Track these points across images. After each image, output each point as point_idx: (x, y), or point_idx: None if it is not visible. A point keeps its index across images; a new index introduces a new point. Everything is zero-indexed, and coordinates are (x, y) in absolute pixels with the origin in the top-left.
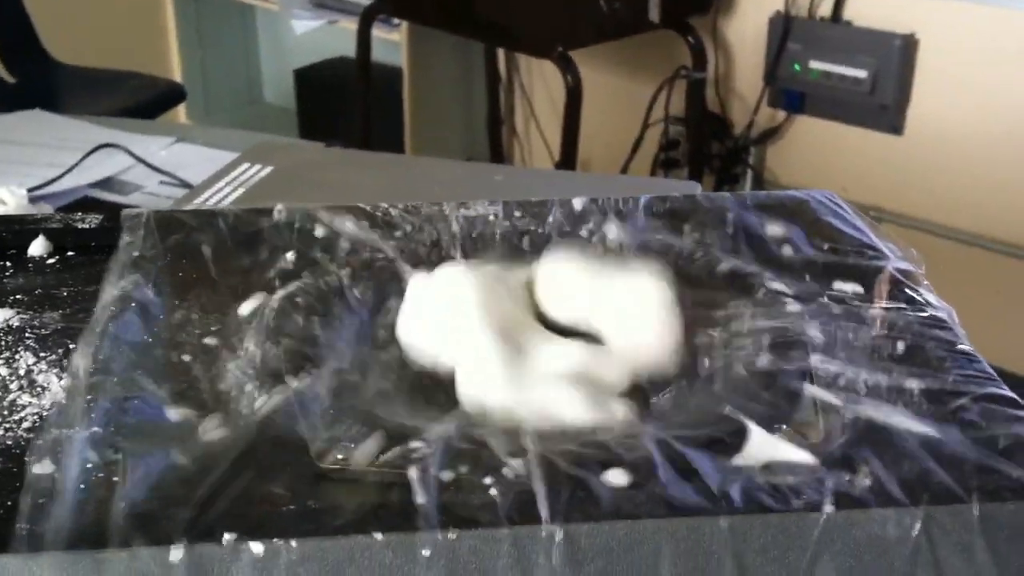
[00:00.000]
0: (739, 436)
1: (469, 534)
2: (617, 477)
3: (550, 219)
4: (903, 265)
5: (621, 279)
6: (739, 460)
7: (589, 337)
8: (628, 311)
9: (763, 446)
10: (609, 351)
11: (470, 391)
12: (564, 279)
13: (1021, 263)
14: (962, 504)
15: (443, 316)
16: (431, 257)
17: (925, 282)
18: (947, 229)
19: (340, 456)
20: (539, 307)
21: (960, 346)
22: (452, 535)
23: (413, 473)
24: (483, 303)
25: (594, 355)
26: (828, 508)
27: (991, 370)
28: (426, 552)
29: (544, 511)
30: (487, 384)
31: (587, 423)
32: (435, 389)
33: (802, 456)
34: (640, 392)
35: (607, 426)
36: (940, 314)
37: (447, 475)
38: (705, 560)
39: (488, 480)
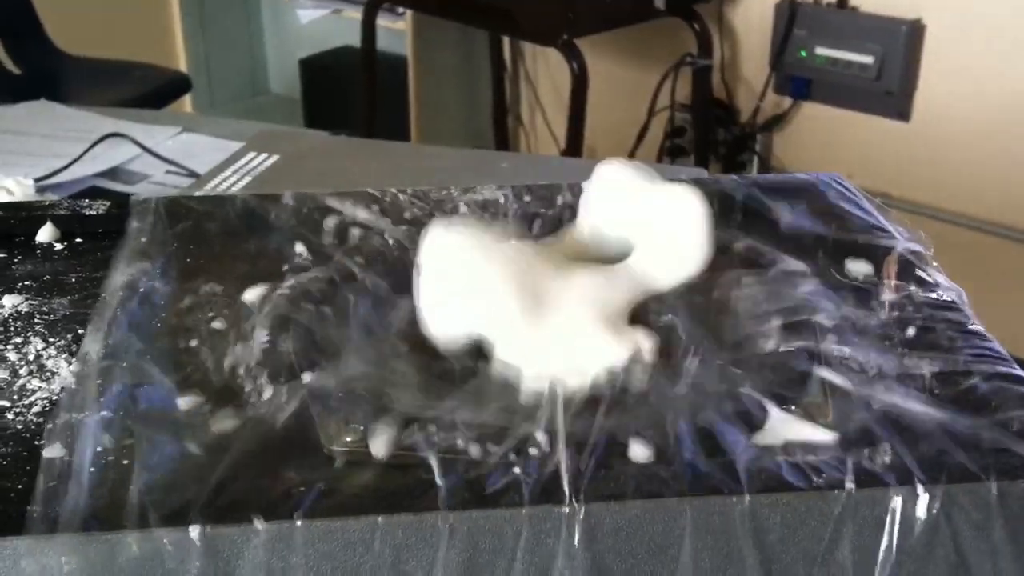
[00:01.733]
0: (757, 416)
1: (488, 513)
2: (640, 455)
3: (559, 202)
4: (912, 246)
5: (660, 193)
6: (759, 439)
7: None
8: (661, 224)
9: (782, 426)
10: (620, 269)
11: (504, 355)
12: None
13: None
14: (980, 483)
15: (460, 287)
16: None
17: (934, 263)
18: (954, 215)
19: (350, 439)
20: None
21: (971, 326)
22: (470, 514)
23: (430, 453)
24: (493, 262)
25: (607, 278)
26: (849, 486)
27: (1003, 350)
28: (445, 531)
29: (567, 489)
30: (516, 345)
31: (615, 362)
32: (452, 370)
33: (821, 436)
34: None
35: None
36: (950, 295)
37: (466, 454)
38: (726, 538)
39: (511, 459)
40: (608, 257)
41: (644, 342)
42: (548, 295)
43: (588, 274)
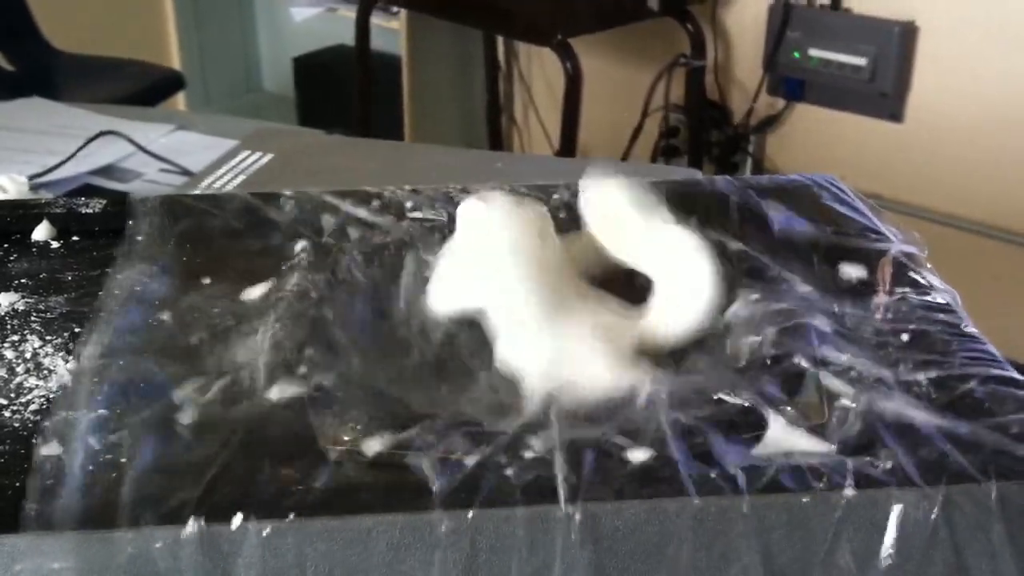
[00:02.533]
0: (757, 420)
1: (485, 514)
2: (637, 458)
3: (553, 202)
4: (906, 248)
5: (672, 238)
6: (758, 449)
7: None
8: (676, 280)
9: (782, 435)
10: (641, 314)
11: (504, 334)
12: (615, 210)
13: (1021, 251)
14: (979, 485)
15: (482, 259)
16: (437, 238)
17: (928, 265)
18: (946, 217)
19: (347, 438)
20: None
21: (965, 329)
22: (468, 515)
23: (426, 455)
24: (523, 248)
25: (626, 317)
26: (848, 490)
27: (997, 352)
28: (442, 531)
29: (563, 491)
30: (521, 330)
31: (608, 387)
32: (450, 369)
33: (821, 446)
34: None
35: (626, 396)
36: (944, 297)
37: (462, 456)
38: (725, 540)
39: (506, 461)
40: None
41: (647, 382)
42: (566, 307)
43: (610, 300)
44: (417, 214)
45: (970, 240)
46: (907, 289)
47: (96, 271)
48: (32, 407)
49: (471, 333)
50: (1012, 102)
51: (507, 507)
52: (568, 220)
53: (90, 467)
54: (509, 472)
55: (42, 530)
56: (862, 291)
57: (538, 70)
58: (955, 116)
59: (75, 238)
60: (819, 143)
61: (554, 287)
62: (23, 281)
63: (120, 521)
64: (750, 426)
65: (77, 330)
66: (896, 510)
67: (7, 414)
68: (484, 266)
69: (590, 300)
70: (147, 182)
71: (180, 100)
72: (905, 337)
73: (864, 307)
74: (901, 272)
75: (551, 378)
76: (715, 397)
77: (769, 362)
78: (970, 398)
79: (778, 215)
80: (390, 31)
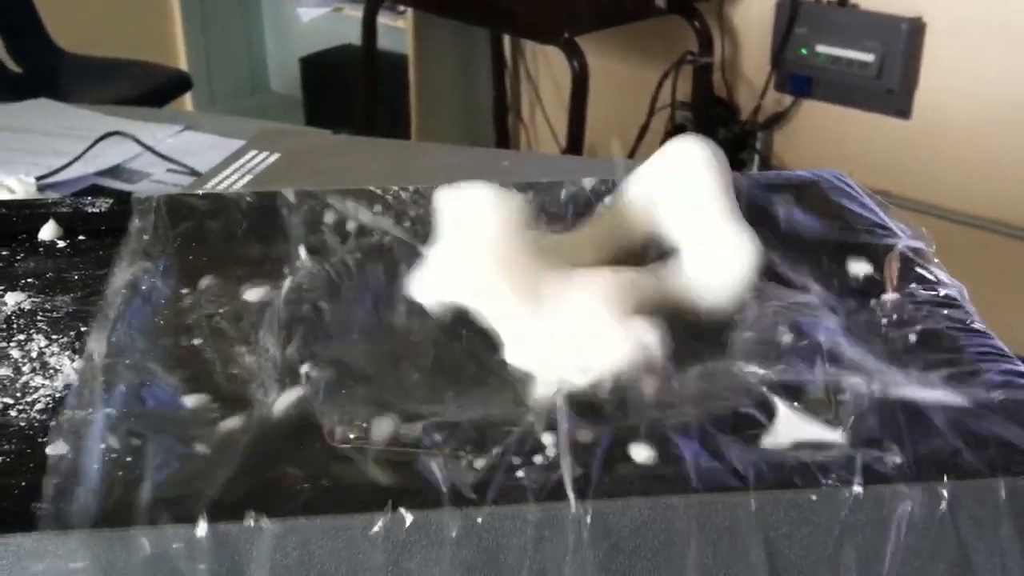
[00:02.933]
0: (765, 414)
1: (493, 512)
2: (645, 455)
3: (561, 199)
4: (914, 243)
5: (719, 217)
6: (767, 440)
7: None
8: (715, 251)
9: (790, 425)
10: (642, 274)
11: (509, 348)
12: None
13: None
14: (987, 481)
15: (462, 270)
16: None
17: (936, 260)
18: (954, 213)
19: (354, 436)
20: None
21: (973, 324)
22: (476, 513)
23: (434, 453)
24: (501, 240)
25: (617, 275)
26: (856, 488)
27: (1005, 347)
28: (449, 529)
29: (571, 489)
30: (518, 335)
31: (620, 356)
32: (456, 367)
33: (829, 435)
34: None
35: (634, 391)
36: (952, 292)
37: (469, 455)
38: (732, 538)
39: (514, 459)
40: (630, 240)
41: (647, 334)
42: (551, 285)
43: (598, 270)
44: (419, 213)
45: (977, 236)
46: (915, 284)
47: (102, 271)
48: (38, 406)
49: (474, 330)
50: (1019, 99)
51: (515, 505)
52: (574, 215)
53: (96, 466)
54: (517, 470)
55: (55, 530)
56: (870, 286)
57: (544, 68)
58: (962, 113)
59: (81, 238)
60: (826, 140)
61: (537, 275)
62: (30, 280)
63: (133, 521)
64: (758, 422)
65: (83, 329)
66: (903, 507)
67: (13, 413)
68: (464, 262)
69: (581, 271)
70: (154, 182)
71: (187, 101)
72: (913, 332)
73: (872, 302)
74: (909, 267)
75: (553, 363)
76: (722, 393)
77: (776, 357)
78: (979, 392)
79: (786, 211)
80: (396, 30)
